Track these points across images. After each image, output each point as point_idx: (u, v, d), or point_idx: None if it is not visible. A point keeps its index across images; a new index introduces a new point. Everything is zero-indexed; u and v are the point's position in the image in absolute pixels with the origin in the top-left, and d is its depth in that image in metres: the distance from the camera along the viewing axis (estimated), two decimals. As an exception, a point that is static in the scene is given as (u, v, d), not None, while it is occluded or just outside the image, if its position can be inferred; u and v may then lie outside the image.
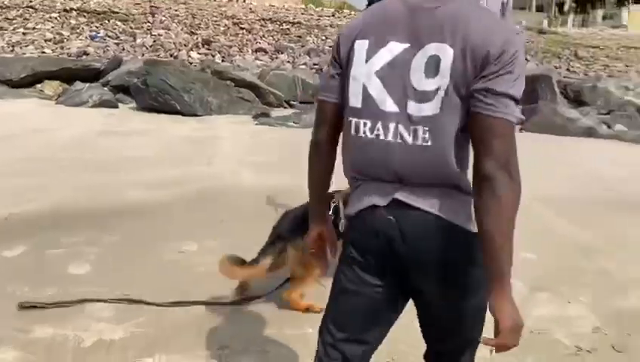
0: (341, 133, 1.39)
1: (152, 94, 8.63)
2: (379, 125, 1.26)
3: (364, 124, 1.27)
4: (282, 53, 15.74)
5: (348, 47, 1.31)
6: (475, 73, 1.17)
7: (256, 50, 16.10)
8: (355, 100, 1.29)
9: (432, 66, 1.20)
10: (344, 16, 27.43)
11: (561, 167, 6.29)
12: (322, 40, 18.64)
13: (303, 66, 14.57)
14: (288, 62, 15.16)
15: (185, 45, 15.32)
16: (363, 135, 1.28)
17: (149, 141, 6.72)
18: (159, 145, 6.53)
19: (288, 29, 20.21)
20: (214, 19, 20.33)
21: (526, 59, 21.73)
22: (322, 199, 1.55)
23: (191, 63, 12.58)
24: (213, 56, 14.50)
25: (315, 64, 14.67)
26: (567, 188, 5.42)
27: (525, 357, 2.33)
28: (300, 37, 18.73)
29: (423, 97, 1.21)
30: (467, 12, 1.22)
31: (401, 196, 1.26)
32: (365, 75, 1.27)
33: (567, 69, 19.82)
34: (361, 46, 1.28)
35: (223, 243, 3.45)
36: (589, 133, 9.30)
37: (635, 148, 7.82)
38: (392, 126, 1.24)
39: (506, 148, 1.16)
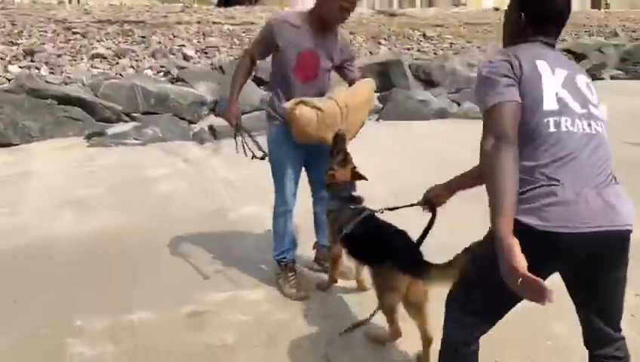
0: None
1: (-54, 126, 6.98)
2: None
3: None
4: (123, 57, 14.23)
5: None
6: None
7: (93, 57, 14.38)
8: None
9: None
10: (194, 11, 25.97)
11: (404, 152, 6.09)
12: (170, 39, 17.29)
13: (149, 70, 13.26)
14: (131, 67, 13.72)
15: (1, 59, 13.18)
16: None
17: None
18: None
19: (131, 29, 18.46)
20: (40, 25, 17.89)
21: (379, 42, 22.30)
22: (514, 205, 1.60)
23: (9, 80, 10.73)
24: (38, 68, 12.59)
25: (162, 66, 13.41)
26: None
27: None
28: (144, 37, 17.19)
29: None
30: None
31: None
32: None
33: (418, 50, 20.58)
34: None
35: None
36: (442, 114, 9.41)
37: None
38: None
39: None
